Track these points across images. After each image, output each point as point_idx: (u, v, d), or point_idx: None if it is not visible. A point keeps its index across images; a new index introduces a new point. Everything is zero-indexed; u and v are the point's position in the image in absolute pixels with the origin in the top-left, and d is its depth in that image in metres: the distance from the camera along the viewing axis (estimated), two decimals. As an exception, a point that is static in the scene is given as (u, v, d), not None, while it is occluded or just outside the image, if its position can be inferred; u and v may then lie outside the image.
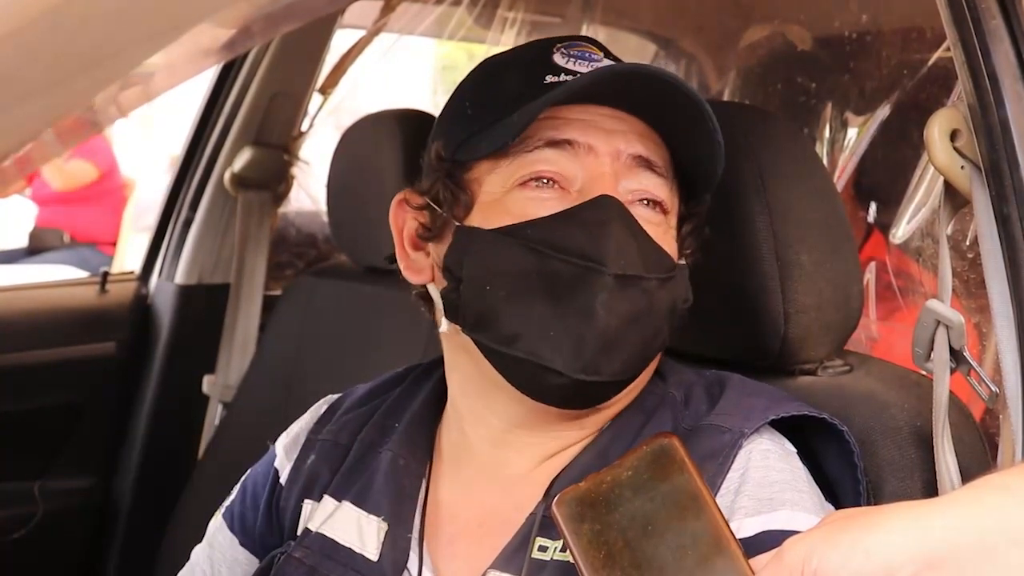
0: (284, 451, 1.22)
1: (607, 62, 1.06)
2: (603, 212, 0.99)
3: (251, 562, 1.21)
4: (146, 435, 2.36)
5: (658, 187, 1.03)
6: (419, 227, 1.09)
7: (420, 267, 1.10)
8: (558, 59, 1.04)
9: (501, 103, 1.03)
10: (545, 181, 1.01)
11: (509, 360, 1.00)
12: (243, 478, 1.26)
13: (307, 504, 1.16)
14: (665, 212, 1.04)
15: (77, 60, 0.56)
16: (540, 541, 1.00)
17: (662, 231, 1.04)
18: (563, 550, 0.97)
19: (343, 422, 1.20)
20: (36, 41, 0.53)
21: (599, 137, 1.01)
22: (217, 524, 1.25)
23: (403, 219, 1.12)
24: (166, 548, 2.14)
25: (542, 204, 1.00)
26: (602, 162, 1.01)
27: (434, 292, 1.09)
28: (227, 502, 1.26)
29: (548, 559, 0.99)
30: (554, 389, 1.00)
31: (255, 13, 0.64)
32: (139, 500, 2.35)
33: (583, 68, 1.04)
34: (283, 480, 1.20)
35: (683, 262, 1.07)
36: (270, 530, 1.20)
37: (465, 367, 1.08)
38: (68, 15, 0.52)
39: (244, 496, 1.23)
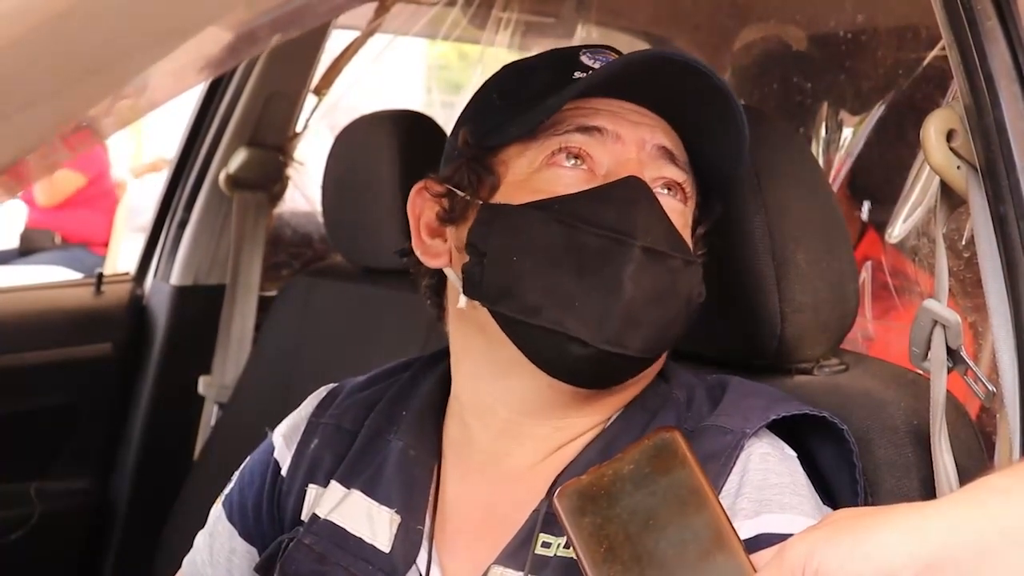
0: (284, 440, 1.22)
1: None
2: (631, 191, 1.01)
3: (249, 552, 1.21)
4: (142, 436, 2.37)
5: (679, 176, 1.06)
6: (440, 211, 1.10)
7: (437, 251, 1.11)
8: (585, 59, 1.07)
9: (531, 95, 1.05)
10: (574, 158, 1.03)
11: (532, 331, 1.01)
12: (241, 467, 1.26)
13: (312, 489, 1.16)
14: (685, 200, 1.07)
15: (81, 67, 0.56)
16: (544, 537, 1.00)
17: (683, 221, 1.06)
18: (567, 547, 0.98)
19: (345, 406, 1.20)
20: (40, 48, 0.53)
21: (626, 127, 1.04)
22: (217, 513, 1.25)
23: (421, 207, 1.13)
24: (163, 549, 2.14)
25: (570, 183, 1.02)
26: (628, 149, 1.03)
27: (451, 273, 1.09)
28: (226, 491, 1.26)
29: (552, 555, 0.99)
30: (576, 361, 1.00)
31: (257, 20, 0.64)
32: (135, 501, 2.35)
33: None
34: (284, 471, 1.20)
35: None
36: (270, 521, 1.20)
37: (477, 351, 1.08)
38: (72, 22, 0.52)
39: (242, 486, 1.24)
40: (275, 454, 1.22)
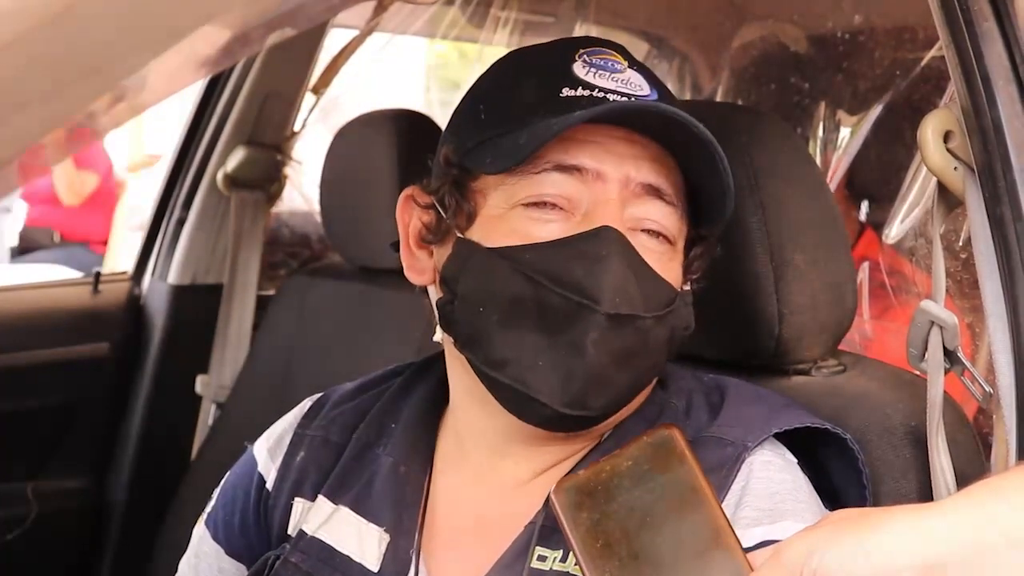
0: (268, 454, 1.20)
1: (630, 73, 1.02)
2: (603, 245, 0.97)
3: (238, 570, 1.20)
4: (140, 435, 2.36)
5: (666, 216, 1.01)
6: (423, 228, 1.07)
7: (423, 267, 1.09)
8: (578, 70, 1.01)
9: (514, 113, 1.01)
10: (551, 207, 0.99)
11: (497, 383, 1.00)
12: (222, 484, 1.24)
13: (298, 503, 1.15)
14: (671, 242, 1.02)
15: (78, 66, 0.56)
16: (539, 551, 0.98)
17: (666, 259, 1.02)
18: (563, 560, 0.97)
19: (332, 417, 1.18)
20: (37, 48, 0.53)
21: (610, 162, 0.99)
22: (200, 533, 1.23)
23: (409, 216, 1.10)
24: (160, 548, 2.14)
25: (544, 227, 0.99)
26: (610, 189, 0.99)
27: (433, 296, 1.08)
28: (208, 509, 1.24)
29: (547, 569, 0.97)
30: (539, 417, 0.99)
31: (253, 19, 0.64)
32: (133, 500, 2.35)
33: (604, 81, 1.00)
34: (270, 484, 1.18)
35: (687, 287, 1.05)
36: (258, 536, 1.19)
37: (461, 377, 1.08)
38: (69, 21, 0.52)
39: (225, 503, 1.22)
40: (259, 468, 1.20)
